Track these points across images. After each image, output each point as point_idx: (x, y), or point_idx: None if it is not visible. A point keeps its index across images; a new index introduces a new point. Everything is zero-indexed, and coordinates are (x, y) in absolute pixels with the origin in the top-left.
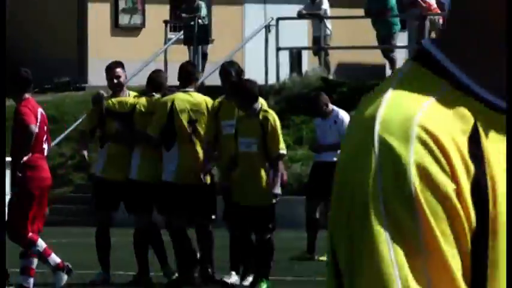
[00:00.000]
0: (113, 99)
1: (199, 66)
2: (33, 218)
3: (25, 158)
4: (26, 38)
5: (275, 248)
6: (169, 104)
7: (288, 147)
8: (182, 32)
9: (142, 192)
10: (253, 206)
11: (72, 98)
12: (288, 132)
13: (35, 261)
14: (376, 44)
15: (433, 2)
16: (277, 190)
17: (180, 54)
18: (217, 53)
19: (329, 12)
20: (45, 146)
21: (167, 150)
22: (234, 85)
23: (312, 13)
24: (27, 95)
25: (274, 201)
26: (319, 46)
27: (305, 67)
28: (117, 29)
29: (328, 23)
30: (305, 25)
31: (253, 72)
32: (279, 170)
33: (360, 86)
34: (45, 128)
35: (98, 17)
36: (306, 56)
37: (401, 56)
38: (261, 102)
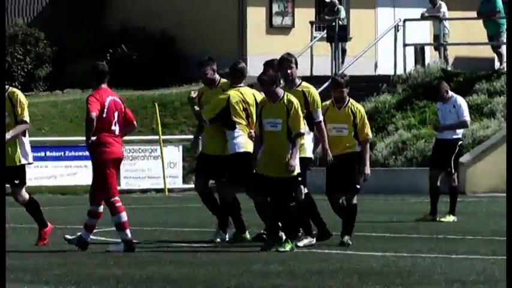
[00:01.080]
0: (209, 109)
1: (339, 60)
2: (111, 183)
3: (93, 138)
4: (196, 37)
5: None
6: None
7: (413, 126)
8: (325, 31)
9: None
10: (277, 178)
11: None
12: (413, 114)
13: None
14: (486, 40)
15: None
16: (294, 162)
17: (324, 50)
18: (354, 49)
19: (447, 14)
20: (115, 127)
21: None
22: (261, 76)
23: (433, 15)
24: (103, 85)
25: (295, 173)
26: (439, 42)
27: (427, 60)
28: (271, 28)
29: (447, 23)
30: (427, 25)
31: (384, 64)
32: (296, 147)
33: (473, 76)
34: (117, 112)
35: (256, 18)
36: (428, 50)
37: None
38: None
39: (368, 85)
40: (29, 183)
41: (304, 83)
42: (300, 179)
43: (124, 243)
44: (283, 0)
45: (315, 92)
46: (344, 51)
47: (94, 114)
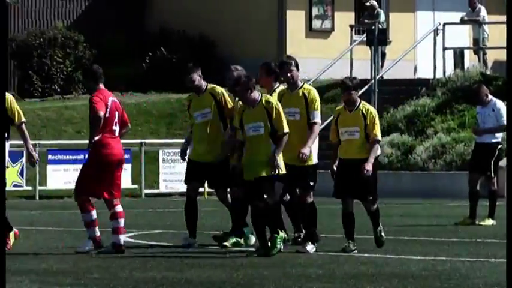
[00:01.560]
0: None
1: (379, 63)
2: (97, 187)
3: (96, 138)
4: (235, 40)
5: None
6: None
7: (453, 130)
8: (365, 34)
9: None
10: (257, 178)
11: None
12: (453, 117)
13: (122, 221)
14: None
15: None
16: (275, 158)
17: (363, 53)
18: (394, 52)
19: (487, 18)
20: (115, 127)
21: None
22: (236, 81)
23: (472, 19)
24: (100, 86)
25: (276, 172)
26: (478, 46)
27: (467, 64)
28: (311, 31)
29: (486, 27)
30: (467, 29)
31: (424, 68)
32: (281, 145)
33: None
34: (117, 113)
35: (295, 21)
36: (467, 54)
37: None
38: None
39: (407, 88)
40: (68, 186)
41: (306, 85)
42: (273, 181)
43: (92, 241)
44: (323, 4)
45: (314, 94)
46: (383, 55)
47: (101, 113)
